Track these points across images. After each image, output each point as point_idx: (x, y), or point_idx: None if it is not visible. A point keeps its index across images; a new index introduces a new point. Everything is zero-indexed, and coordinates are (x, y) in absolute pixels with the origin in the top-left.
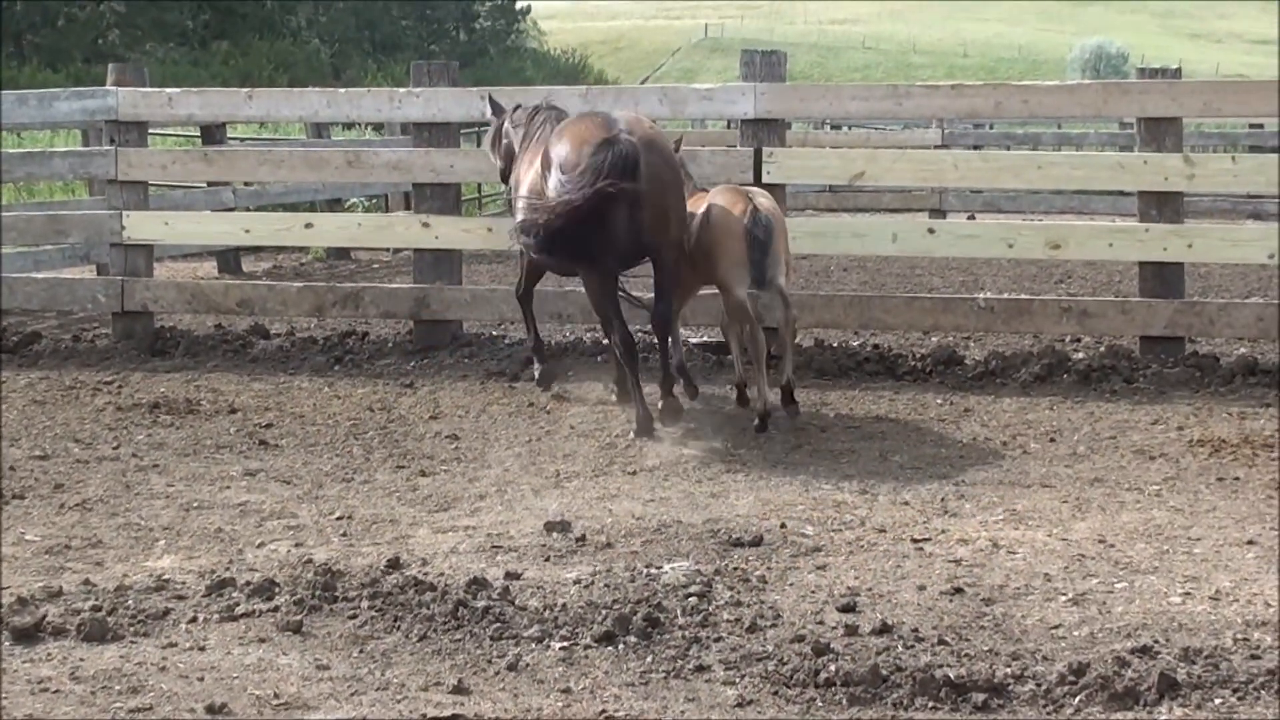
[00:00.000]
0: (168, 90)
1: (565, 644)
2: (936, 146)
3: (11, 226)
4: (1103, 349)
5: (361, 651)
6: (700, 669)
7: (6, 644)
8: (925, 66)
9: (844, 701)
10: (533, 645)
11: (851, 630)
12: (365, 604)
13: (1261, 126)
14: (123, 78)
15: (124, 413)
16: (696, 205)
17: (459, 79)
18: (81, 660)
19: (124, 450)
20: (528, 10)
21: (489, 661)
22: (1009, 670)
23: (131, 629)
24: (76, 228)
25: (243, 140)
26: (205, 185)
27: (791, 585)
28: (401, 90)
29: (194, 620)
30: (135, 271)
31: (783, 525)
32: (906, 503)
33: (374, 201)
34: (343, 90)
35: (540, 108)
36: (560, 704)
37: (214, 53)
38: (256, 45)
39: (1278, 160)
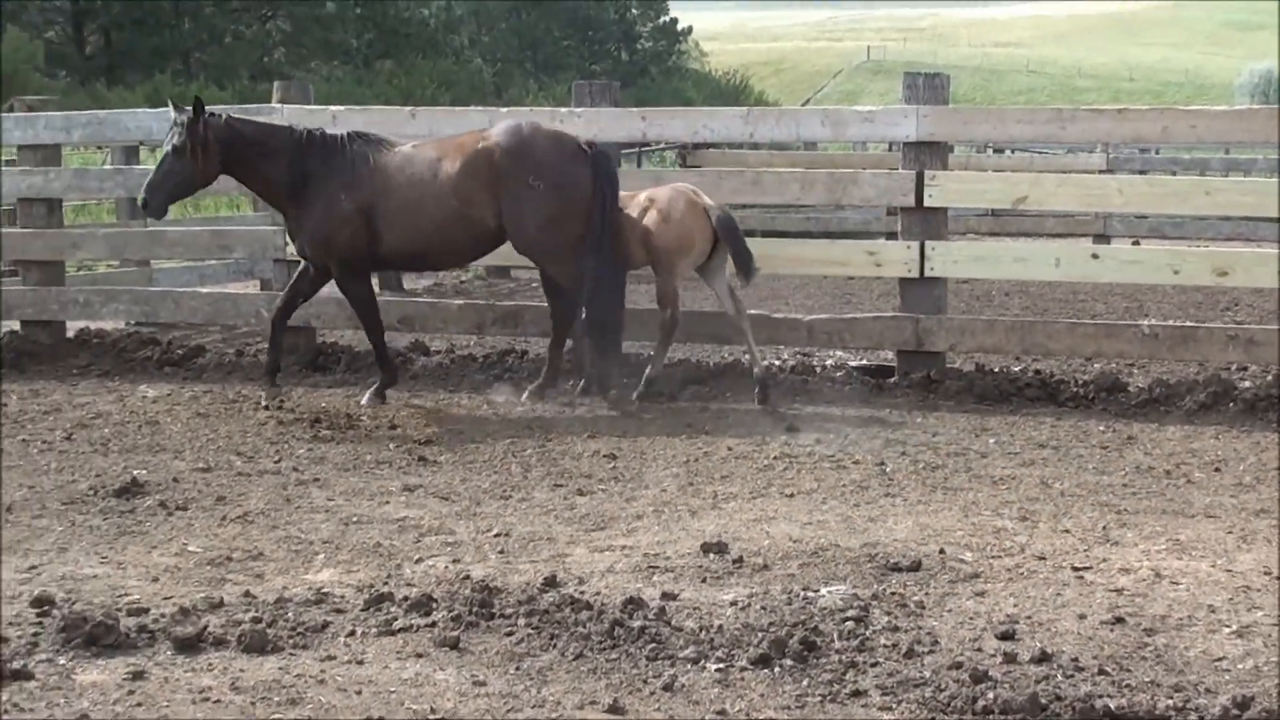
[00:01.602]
0: (332, 108)
1: (721, 666)
2: (1100, 171)
3: (177, 242)
4: (1270, 378)
5: (518, 669)
6: (857, 694)
7: (168, 653)
8: (1089, 90)
9: None
10: (688, 666)
11: (1010, 658)
12: (522, 621)
13: None
14: (288, 95)
15: (285, 427)
16: (631, 199)
17: (620, 99)
18: (242, 671)
19: (285, 464)
20: (689, 31)
21: (644, 681)
22: (1170, 702)
23: (291, 641)
24: (240, 243)
25: None
26: None
27: (949, 611)
28: (564, 109)
29: (352, 634)
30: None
31: (941, 551)
32: (1067, 530)
33: None
34: (504, 109)
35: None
36: None
37: (378, 72)
38: (419, 64)
39: None
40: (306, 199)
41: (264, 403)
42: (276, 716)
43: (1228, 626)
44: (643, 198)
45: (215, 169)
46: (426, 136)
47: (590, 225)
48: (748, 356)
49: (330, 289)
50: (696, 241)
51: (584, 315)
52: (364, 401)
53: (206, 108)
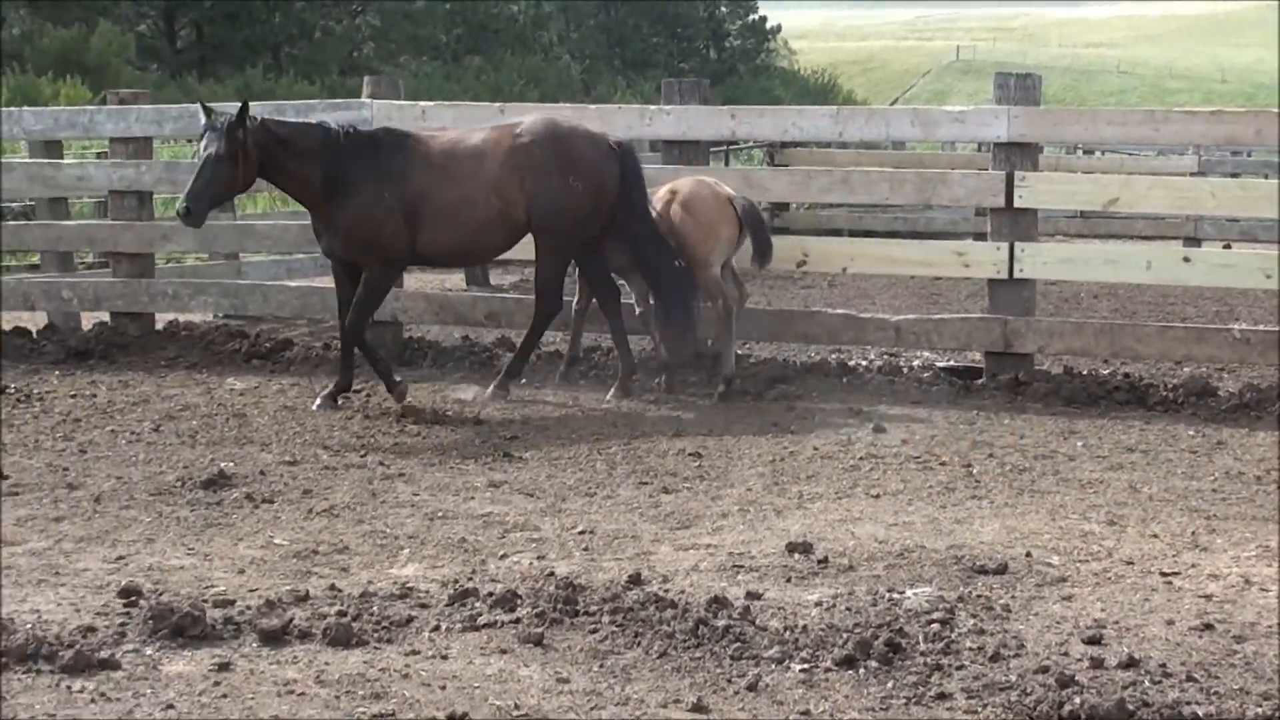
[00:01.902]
0: (421, 103)
1: (805, 666)
2: (1192, 174)
3: (266, 235)
4: None
5: (601, 666)
6: (942, 696)
7: (254, 645)
8: (1181, 92)
9: None
10: (773, 666)
11: (1097, 663)
12: (606, 619)
13: None
14: (378, 90)
15: (372, 421)
16: (653, 192)
17: (710, 97)
18: (327, 664)
19: (371, 458)
20: (778, 29)
21: (728, 681)
22: (1260, 710)
23: (375, 635)
24: None
25: None
26: None
27: (1036, 615)
28: (653, 107)
29: (437, 629)
30: None
31: (1028, 554)
32: (1155, 535)
33: None
34: (593, 106)
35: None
36: None
37: (466, 67)
38: (508, 60)
39: None
40: (343, 197)
41: (399, 409)
42: (360, 710)
43: None
44: (664, 190)
45: (254, 173)
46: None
47: (623, 224)
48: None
49: (414, 283)
50: (723, 231)
51: (657, 313)
52: (315, 405)
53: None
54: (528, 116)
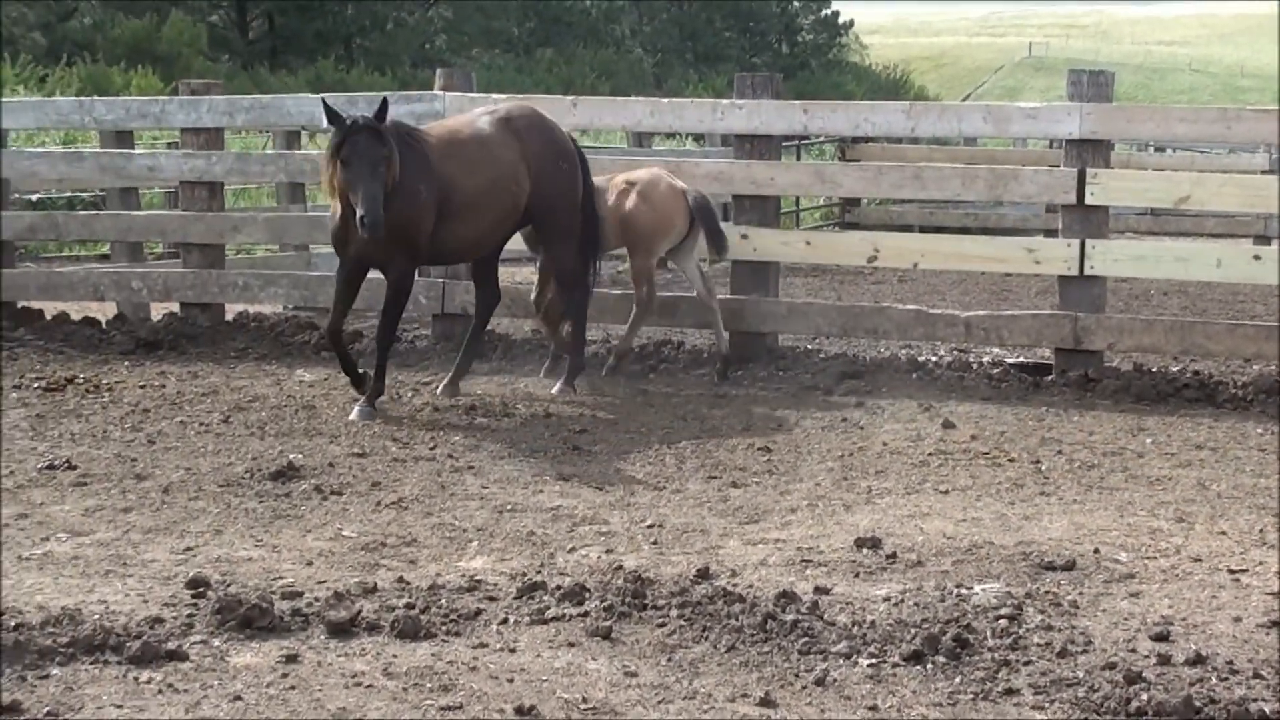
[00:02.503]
0: (494, 96)
1: (873, 661)
2: (1263, 172)
3: None
4: None
5: (670, 660)
6: (1009, 692)
7: (322, 637)
8: (1253, 90)
9: None
10: (840, 661)
11: (1164, 660)
12: (674, 613)
13: None
14: (450, 82)
15: (441, 413)
16: (608, 182)
17: (783, 91)
18: (395, 657)
19: (440, 450)
20: (850, 24)
21: (796, 675)
22: None
23: (444, 628)
24: None
25: None
26: None
27: (1103, 612)
28: (725, 101)
29: (505, 622)
30: (456, 275)
31: (1096, 550)
32: (1224, 533)
33: None
34: (666, 100)
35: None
36: None
37: (538, 60)
38: (580, 53)
39: None
40: (390, 195)
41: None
42: (429, 703)
43: None
44: (620, 180)
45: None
46: (588, 126)
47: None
48: (714, 339)
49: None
50: (676, 223)
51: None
52: (353, 416)
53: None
54: (502, 104)
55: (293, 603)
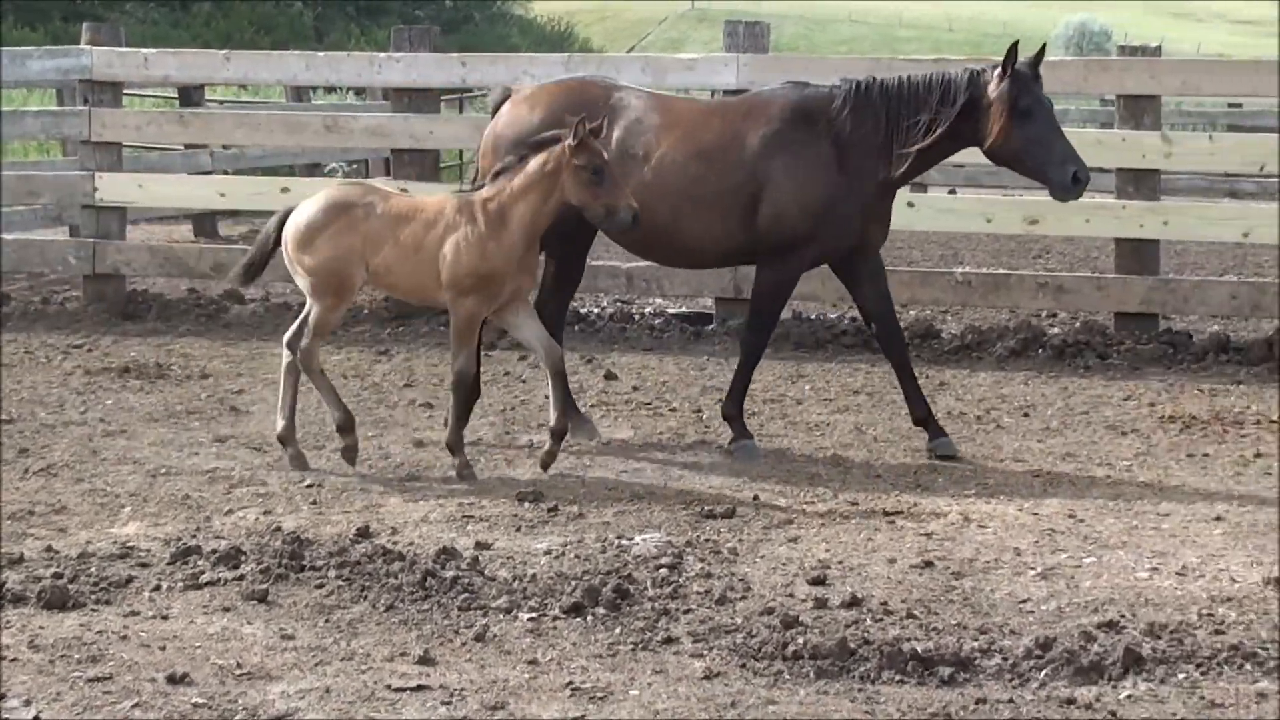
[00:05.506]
0: (144, 50)
1: (533, 615)
2: None
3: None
4: (1078, 325)
5: (327, 621)
6: (668, 641)
7: None
8: (911, 40)
9: (811, 674)
10: (500, 616)
11: (821, 603)
12: (333, 573)
13: (1240, 106)
14: (97, 37)
15: (93, 377)
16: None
17: (441, 44)
18: (41, 628)
19: (91, 415)
20: None
21: (456, 632)
22: (976, 644)
23: (93, 597)
24: (48, 189)
25: (222, 103)
26: (182, 148)
27: (762, 558)
28: (382, 55)
29: (157, 588)
30: (107, 234)
31: (755, 498)
32: (879, 476)
33: (354, 167)
34: (322, 54)
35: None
36: (527, 675)
37: (195, 14)
38: (238, 7)
39: (1254, 140)
40: None
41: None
42: (76, 674)
43: (1032, 569)
44: None
45: None
46: (243, 81)
47: None
48: None
49: (138, 235)
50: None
51: None
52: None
53: None
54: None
55: None
